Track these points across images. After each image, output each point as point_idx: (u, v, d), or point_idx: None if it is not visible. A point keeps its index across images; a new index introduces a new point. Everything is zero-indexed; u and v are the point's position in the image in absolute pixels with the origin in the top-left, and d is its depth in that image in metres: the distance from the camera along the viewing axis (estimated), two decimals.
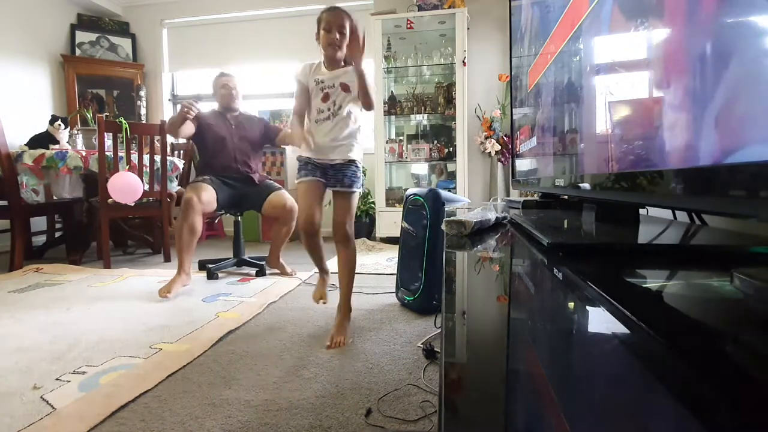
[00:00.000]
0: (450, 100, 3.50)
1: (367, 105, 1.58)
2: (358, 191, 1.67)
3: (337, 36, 1.54)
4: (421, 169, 3.79)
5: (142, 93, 4.14)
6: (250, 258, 2.63)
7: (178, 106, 4.77)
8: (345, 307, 1.61)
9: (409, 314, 1.76)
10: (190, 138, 2.47)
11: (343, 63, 1.60)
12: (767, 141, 0.29)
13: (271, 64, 4.37)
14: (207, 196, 2.18)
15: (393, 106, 3.63)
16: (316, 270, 1.86)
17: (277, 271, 2.54)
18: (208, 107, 2.62)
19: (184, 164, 3.41)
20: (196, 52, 4.47)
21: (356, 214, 3.55)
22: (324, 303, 1.78)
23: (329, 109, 1.58)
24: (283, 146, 3.21)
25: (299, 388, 1.16)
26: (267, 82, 4.45)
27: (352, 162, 1.64)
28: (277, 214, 2.46)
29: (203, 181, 2.27)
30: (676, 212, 0.91)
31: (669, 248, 0.62)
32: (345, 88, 1.57)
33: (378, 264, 2.76)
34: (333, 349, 1.42)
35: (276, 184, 2.57)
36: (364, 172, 3.84)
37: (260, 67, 4.39)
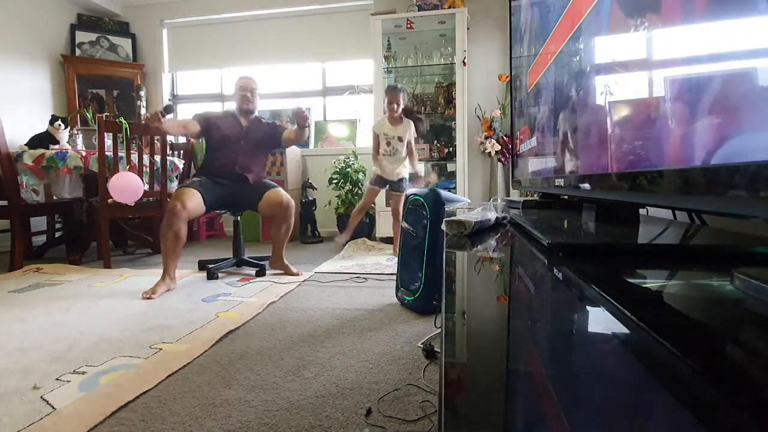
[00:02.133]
0: (450, 100, 3.50)
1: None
2: (404, 193, 2.77)
3: (395, 106, 2.81)
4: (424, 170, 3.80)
5: (142, 93, 4.14)
6: (250, 258, 2.63)
7: (179, 107, 4.75)
8: (396, 224, 2.91)
9: (409, 314, 1.76)
10: (197, 136, 2.48)
11: (397, 118, 2.86)
12: (767, 141, 0.29)
13: (271, 64, 4.37)
14: (192, 202, 2.17)
15: (420, 124, 3.63)
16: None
17: (282, 271, 2.52)
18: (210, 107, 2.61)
19: (184, 164, 3.41)
20: (196, 52, 4.47)
21: (365, 218, 3.70)
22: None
23: (390, 152, 2.90)
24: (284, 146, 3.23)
25: (299, 388, 1.16)
26: (267, 83, 4.45)
27: (402, 179, 2.95)
28: (274, 212, 2.45)
29: (190, 185, 2.26)
30: (676, 212, 0.91)
31: (669, 248, 0.62)
32: (400, 140, 2.87)
33: (378, 264, 2.76)
34: (332, 349, 1.42)
35: (272, 182, 2.56)
36: (359, 172, 3.93)
37: (260, 67, 4.40)
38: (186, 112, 4.25)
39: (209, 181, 2.34)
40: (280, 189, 2.48)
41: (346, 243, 3.20)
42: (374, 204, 3.64)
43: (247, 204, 2.49)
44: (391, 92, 2.84)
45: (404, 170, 2.97)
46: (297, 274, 2.46)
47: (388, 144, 2.89)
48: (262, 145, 2.55)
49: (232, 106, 2.61)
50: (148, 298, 2.00)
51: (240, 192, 2.44)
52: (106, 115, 2.83)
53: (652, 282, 0.47)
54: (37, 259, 3.08)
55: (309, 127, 2.93)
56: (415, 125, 2.93)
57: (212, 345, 1.45)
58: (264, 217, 3.06)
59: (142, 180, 2.68)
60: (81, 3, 4.25)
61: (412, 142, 2.97)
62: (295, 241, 3.85)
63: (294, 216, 2.51)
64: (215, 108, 4.22)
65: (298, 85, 4.39)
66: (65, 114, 3.90)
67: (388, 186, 2.98)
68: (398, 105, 2.82)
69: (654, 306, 0.37)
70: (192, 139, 3.47)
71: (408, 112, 2.91)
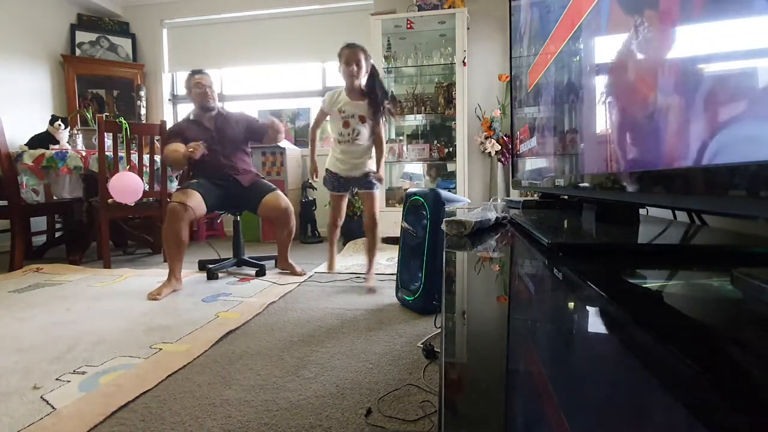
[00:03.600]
0: (450, 100, 3.50)
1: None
2: (375, 190, 2.20)
3: (355, 68, 1.96)
4: (420, 169, 3.80)
5: (142, 93, 4.15)
6: (250, 258, 2.63)
7: (179, 107, 4.74)
8: (371, 264, 2.26)
9: (409, 314, 1.76)
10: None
11: (358, 88, 2.03)
12: (767, 141, 0.29)
13: (271, 64, 4.37)
14: (192, 201, 2.16)
15: (393, 107, 3.63)
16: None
17: (288, 271, 2.54)
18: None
19: None
20: (196, 52, 4.47)
21: (357, 213, 3.62)
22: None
23: (349, 134, 2.06)
24: (277, 144, 3.17)
25: (299, 388, 1.16)
26: (267, 83, 4.45)
27: (367, 174, 2.16)
28: (273, 216, 2.45)
29: (189, 186, 2.26)
30: (676, 212, 0.91)
31: (669, 248, 0.62)
32: (362, 119, 2.05)
33: (378, 264, 2.75)
34: (332, 349, 1.41)
35: (271, 184, 2.54)
36: None
37: (261, 67, 4.40)
38: (186, 112, 4.24)
39: (208, 183, 2.34)
40: (279, 193, 2.47)
41: (332, 265, 2.49)
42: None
43: (246, 206, 2.49)
44: (349, 49, 1.97)
45: (370, 163, 2.17)
46: (301, 274, 2.47)
47: (346, 125, 2.04)
48: (235, 137, 2.47)
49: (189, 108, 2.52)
50: (154, 299, 2.00)
51: (238, 194, 2.44)
52: (106, 115, 2.83)
53: (652, 282, 0.47)
54: (37, 259, 3.08)
55: (281, 135, 2.53)
56: (383, 105, 2.06)
57: (212, 345, 1.45)
58: (264, 219, 3.06)
59: (142, 180, 2.68)
60: (81, 3, 4.24)
61: (381, 126, 2.11)
62: (294, 241, 3.84)
63: (294, 218, 2.51)
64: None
65: (298, 85, 4.39)
66: (65, 114, 3.89)
67: (351, 187, 2.24)
68: (359, 68, 1.97)
69: (654, 306, 0.37)
70: None
71: (372, 83, 2.04)
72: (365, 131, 2.06)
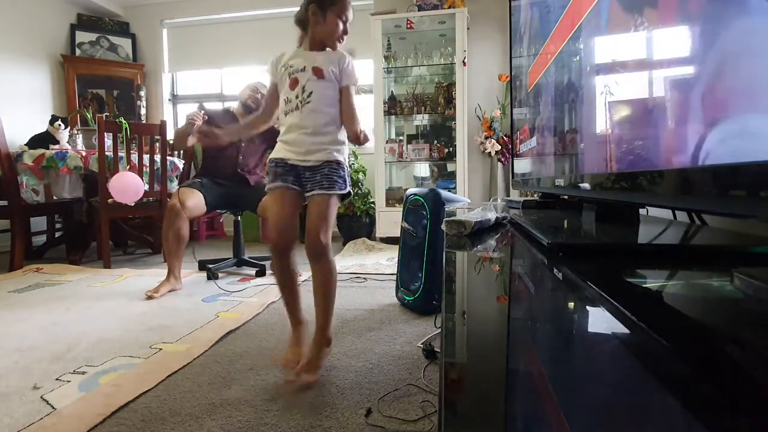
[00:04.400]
0: (450, 100, 3.50)
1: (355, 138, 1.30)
2: (334, 193, 1.26)
3: (314, 7, 1.27)
4: (420, 169, 3.80)
5: (142, 93, 4.15)
6: (250, 258, 2.63)
7: (179, 107, 4.75)
8: (321, 339, 1.25)
9: (409, 314, 1.76)
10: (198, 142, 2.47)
11: (322, 44, 1.30)
12: (767, 141, 0.29)
13: None
14: (192, 201, 2.18)
15: (393, 106, 3.63)
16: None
17: None
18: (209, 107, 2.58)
19: (184, 164, 3.40)
20: (196, 52, 4.47)
21: (356, 213, 3.61)
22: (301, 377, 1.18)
23: (297, 97, 1.25)
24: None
25: (299, 388, 1.16)
26: (267, 83, 4.44)
27: (331, 163, 1.26)
28: None
29: (191, 185, 2.27)
30: (676, 212, 0.91)
31: (669, 248, 0.62)
32: (318, 73, 1.24)
33: (378, 264, 2.75)
34: (332, 349, 1.28)
35: None
36: (359, 172, 3.62)
37: (260, 67, 4.39)
38: (186, 112, 4.24)
39: (210, 182, 2.35)
40: None
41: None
42: (374, 204, 3.55)
43: (246, 205, 2.49)
44: (347, 4, 1.28)
45: (336, 146, 1.27)
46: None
47: (294, 83, 1.26)
48: (262, 139, 2.52)
49: (233, 104, 2.58)
50: (150, 297, 2.01)
51: (241, 193, 2.45)
52: (106, 115, 2.83)
53: (652, 282, 0.47)
54: (37, 259, 3.08)
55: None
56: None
57: (212, 345, 1.45)
58: (264, 218, 3.05)
59: (142, 180, 2.68)
60: (81, 3, 4.24)
61: (351, 90, 1.28)
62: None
63: None
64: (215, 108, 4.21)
65: None
66: (65, 114, 3.89)
67: (302, 182, 1.26)
68: (346, 32, 1.30)
69: (654, 306, 0.37)
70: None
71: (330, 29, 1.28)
72: (326, 92, 1.25)
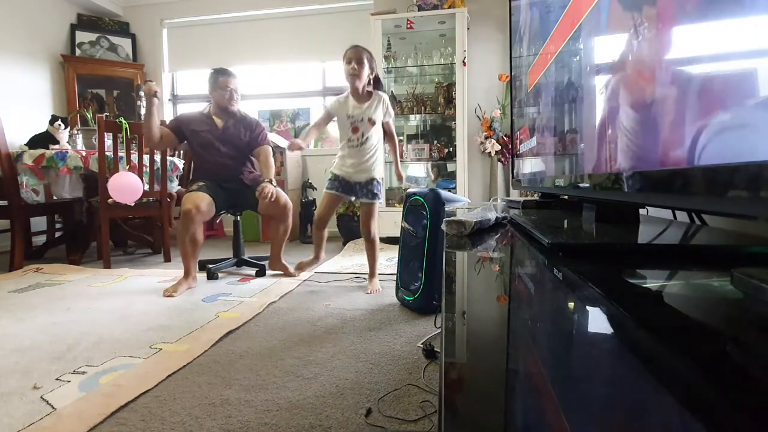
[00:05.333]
0: (450, 100, 3.50)
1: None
2: (376, 201, 2.13)
3: (355, 66, 1.95)
4: (420, 170, 3.80)
5: (142, 93, 4.13)
6: (250, 258, 2.63)
7: (179, 107, 4.73)
8: (372, 276, 2.21)
9: (409, 314, 1.76)
10: (177, 144, 2.46)
11: (363, 91, 2.03)
12: (767, 141, 0.29)
13: (271, 64, 4.37)
14: (205, 205, 2.20)
15: (393, 106, 3.62)
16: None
17: (281, 272, 2.51)
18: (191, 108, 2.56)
19: (184, 164, 3.41)
20: (196, 52, 4.47)
21: (356, 213, 3.62)
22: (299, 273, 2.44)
23: (358, 140, 2.05)
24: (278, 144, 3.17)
25: (299, 388, 1.16)
26: (267, 83, 4.45)
27: (372, 181, 2.11)
28: (273, 212, 2.44)
29: (199, 189, 2.26)
30: (676, 212, 0.91)
31: (669, 248, 0.62)
32: (371, 123, 2.04)
33: (378, 264, 2.75)
34: (332, 349, 1.41)
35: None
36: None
37: (260, 67, 4.40)
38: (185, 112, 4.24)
39: (212, 184, 2.35)
40: (279, 189, 2.48)
41: (314, 266, 2.52)
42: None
43: (247, 204, 2.49)
44: (353, 49, 1.97)
45: (377, 168, 2.11)
46: (295, 275, 2.46)
47: (355, 130, 2.02)
48: (239, 146, 2.45)
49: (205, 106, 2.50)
50: (170, 296, 2.05)
51: (241, 192, 2.45)
52: (106, 115, 2.83)
53: (652, 282, 0.47)
54: (37, 259, 3.08)
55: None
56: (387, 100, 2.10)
57: (212, 345, 1.45)
58: (264, 217, 3.06)
59: (142, 180, 2.68)
60: (81, 3, 4.25)
61: (391, 124, 2.17)
62: (294, 241, 3.85)
63: (292, 217, 2.51)
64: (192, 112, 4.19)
65: (298, 85, 4.39)
66: (65, 114, 3.89)
67: (353, 194, 2.15)
68: (360, 66, 1.95)
69: (654, 306, 0.37)
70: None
71: (378, 83, 2.10)
72: (374, 135, 2.06)
